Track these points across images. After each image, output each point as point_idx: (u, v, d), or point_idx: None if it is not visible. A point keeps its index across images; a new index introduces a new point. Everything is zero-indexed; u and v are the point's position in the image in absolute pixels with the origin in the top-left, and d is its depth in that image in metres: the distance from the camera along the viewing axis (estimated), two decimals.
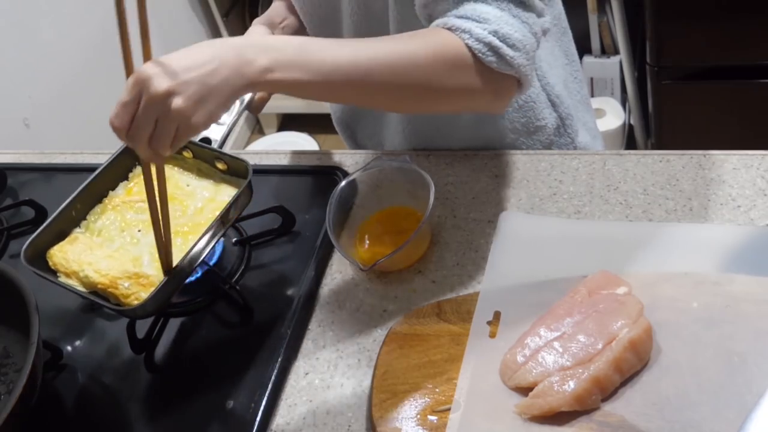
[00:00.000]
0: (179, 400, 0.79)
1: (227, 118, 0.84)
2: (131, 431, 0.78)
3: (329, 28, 0.97)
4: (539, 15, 0.75)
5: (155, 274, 0.78)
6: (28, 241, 0.80)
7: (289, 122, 2.85)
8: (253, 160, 1.07)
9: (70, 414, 0.81)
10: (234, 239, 0.93)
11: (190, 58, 0.65)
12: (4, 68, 1.71)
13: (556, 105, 1.00)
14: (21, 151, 1.23)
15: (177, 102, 0.63)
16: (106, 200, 0.87)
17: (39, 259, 0.81)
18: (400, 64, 0.71)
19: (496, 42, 0.71)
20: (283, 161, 1.06)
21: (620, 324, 0.69)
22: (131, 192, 0.88)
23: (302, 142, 2.58)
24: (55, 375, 0.84)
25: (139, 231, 0.84)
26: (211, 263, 0.89)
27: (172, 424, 0.77)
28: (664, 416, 0.64)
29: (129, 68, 0.65)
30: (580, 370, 0.67)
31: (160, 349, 0.84)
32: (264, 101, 0.88)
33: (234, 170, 0.87)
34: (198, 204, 0.85)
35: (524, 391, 0.69)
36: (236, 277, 0.89)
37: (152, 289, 0.75)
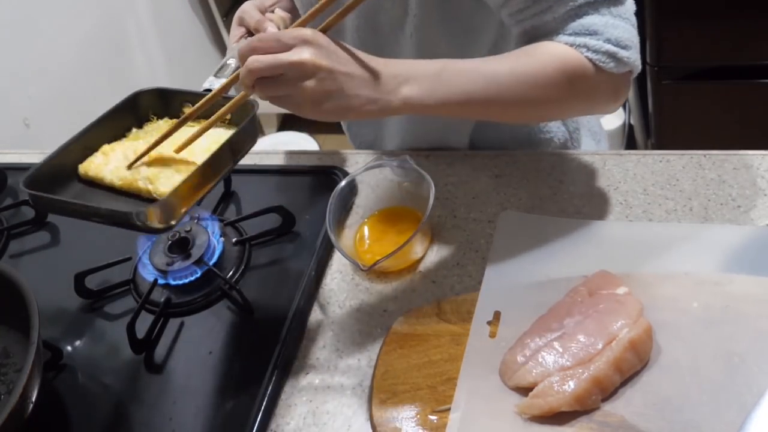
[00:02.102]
0: (179, 400, 0.79)
1: (227, 68, 0.83)
2: (131, 431, 0.78)
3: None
4: (625, 3, 0.78)
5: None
6: (26, 176, 0.76)
7: (289, 122, 2.85)
8: (253, 160, 1.08)
9: (70, 414, 0.81)
10: (234, 239, 0.93)
11: (357, 57, 0.69)
12: (4, 68, 1.71)
13: (565, 120, 1.01)
14: (21, 151, 1.23)
15: (310, 83, 0.65)
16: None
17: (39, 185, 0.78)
18: (529, 82, 0.74)
19: (613, 48, 0.75)
20: (283, 161, 1.06)
21: (620, 324, 0.69)
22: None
23: (302, 142, 2.58)
24: (55, 375, 0.84)
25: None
26: (211, 263, 0.89)
27: (172, 424, 0.77)
28: (664, 416, 0.64)
29: (305, 21, 0.68)
30: (580, 370, 0.67)
31: (160, 349, 0.84)
32: None
33: (239, 117, 0.82)
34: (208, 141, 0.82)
35: (524, 391, 0.69)
36: (236, 277, 0.89)
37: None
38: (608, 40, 0.75)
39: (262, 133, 2.85)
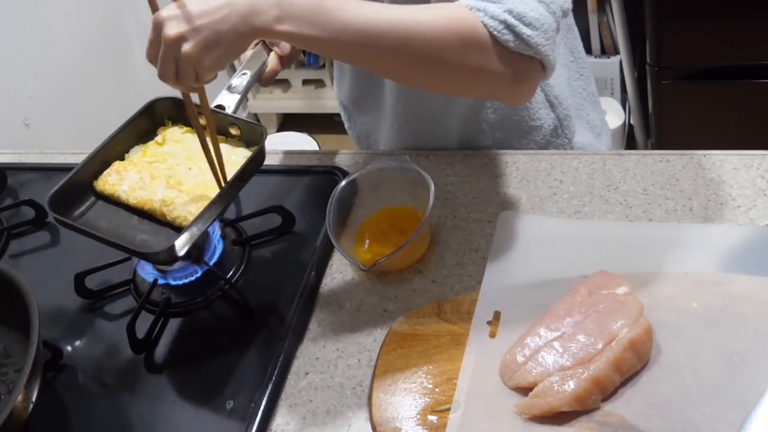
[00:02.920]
0: (179, 400, 0.79)
1: (239, 84, 0.86)
2: (131, 431, 0.78)
3: None
4: None
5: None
6: (52, 193, 0.82)
7: (289, 122, 2.85)
8: None
9: (70, 414, 0.81)
10: (234, 239, 0.93)
11: (204, 2, 0.68)
12: (4, 68, 1.71)
13: (554, 105, 0.99)
14: (21, 151, 1.23)
15: (186, 47, 0.67)
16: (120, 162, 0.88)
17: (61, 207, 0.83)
18: (414, 31, 0.70)
19: (512, 20, 0.71)
20: (283, 161, 1.06)
21: (620, 324, 0.69)
22: (147, 153, 0.88)
23: (302, 142, 2.58)
24: (55, 375, 0.84)
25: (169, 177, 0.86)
26: (211, 263, 0.89)
27: (172, 424, 0.77)
28: (664, 416, 0.64)
29: (153, 6, 0.69)
30: (580, 370, 0.67)
31: (160, 349, 0.84)
32: (274, 73, 0.89)
33: (248, 136, 0.87)
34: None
35: (524, 391, 0.69)
36: (236, 277, 0.89)
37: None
38: (509, 11, 0.71)
39: None
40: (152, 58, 0.70)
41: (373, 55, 0.73)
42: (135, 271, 0.92)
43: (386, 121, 1.05)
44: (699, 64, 1.72)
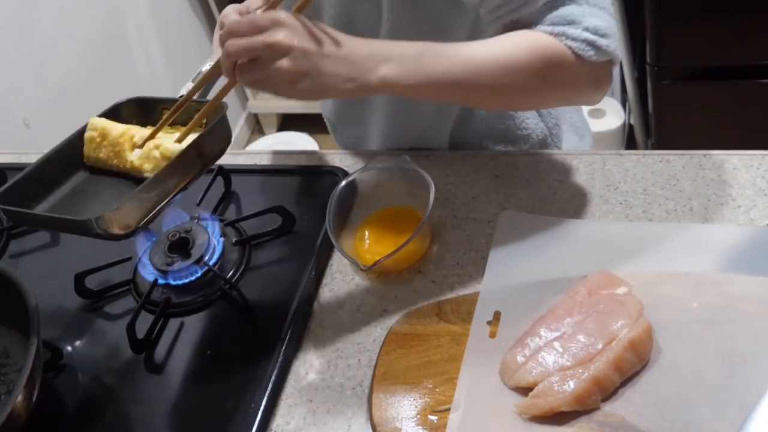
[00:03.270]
0: (179, 400, 0.79)
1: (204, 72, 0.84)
2: (131, 431, 0.78)
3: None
4: None
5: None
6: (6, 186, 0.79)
7: (289, 122, 2.85)
8: (253, 160, 1.08)
9: (70, 414, 0.81)
10: (234, 239, 0.93)
11: (333, 37, 0.69)
12: (4, 68, 1.71)
13: (543, 115, 1.01)
14: (21, 151, 1.23)
15: (284, 63, 0.67)
16: None
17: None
18: (507, 68, 0.75)
19: (591, 36, 0.76)
20: (283, 161, 1.06)
21: (620, 324, 0.69)
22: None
23: (302, 142, 2.58)
24: (55, 375, 0.84)
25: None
26: (211, 263, 0.89)
27: (172, 424, 0.77)
28: (664, 416, 0.64)
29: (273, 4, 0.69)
30: (580, 370, 0.67)
31: (160, 349, 0.84)
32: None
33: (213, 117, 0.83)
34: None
35: (524, 391, 0.69)
36: (236, 277, 0.89)
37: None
38: (587, 29, 0.76)
39: (262, 133, 2.85)
40: (235, 32, 0.67)
41: (470, 93, 0.78)
42: (135, 271, 0.92)
43: (375, 131, 1.05)
44: (699, 64, 1.72)
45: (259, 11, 0.91)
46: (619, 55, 0.80)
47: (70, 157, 0.84)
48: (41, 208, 0.79)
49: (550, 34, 0.77)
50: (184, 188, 0.77)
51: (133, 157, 0.80)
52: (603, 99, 0.85)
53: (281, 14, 0.68)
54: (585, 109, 2.17)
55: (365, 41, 0.72)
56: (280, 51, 0.67)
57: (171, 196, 0.75)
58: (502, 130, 1.00)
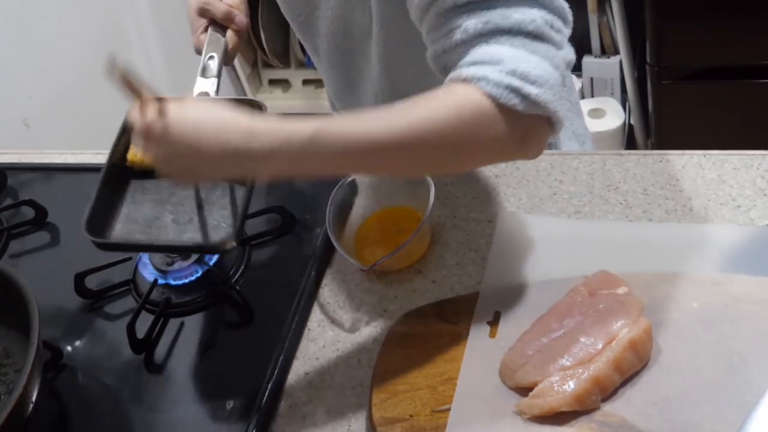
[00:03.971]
0: (179, 400, 0.79)
1: (212, 67, 0.86)
2: (131, 431, 0.78)
3: (308, 32, 1.00)
4: (558, 47, 0.68)
5: None
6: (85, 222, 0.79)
7: None
8: None
9: (70, 414, 0.81)
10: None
11: (216, 137, 0.65)
12: (4, 68, 1.71)
13: None
14: (21, 151, 1.23)
15: (166, 169, 0.67)
16: None
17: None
18: (415, 137, 0.66)
19: (516, 81, 0.64)
20: None
21: (620, 324, 0.69)
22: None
23: None
24: (55, 375, 0.84)
25: None
26: (211, 263, 0.89)
27: (172, 424, 0.77)
28: (664, 416, 0.64)
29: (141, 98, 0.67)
30: (580, 370, 0.67)
31: (160, 349, 0.84)
32: (236, 49, 0.91)
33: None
34: None
35: (524, 391, 0.69)
36: (236, 277, 0.89)
37: None
38: (512, 72, 0.64)
39: None
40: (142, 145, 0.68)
41: (381, 166, 0.71)
42: (135, 271, 0.92)
43: (373, 98, 1.05)
44: (699, 64, 1.72)
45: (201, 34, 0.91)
46: (558, 111, 0.67)
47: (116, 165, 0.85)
48: (119, 230, 0.83)
49: (471, 81, 0.65)
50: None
51: None
52: (535, 154, 0.72)
53: (157, 128, 0.65)
54: (584, 111, 2.18)
55: (252, 130, 0.65)
56: (159, 162, 0.67)
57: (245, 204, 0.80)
58: None
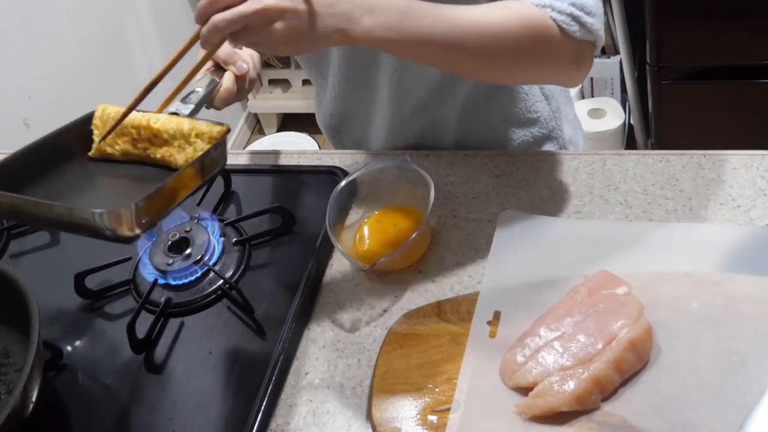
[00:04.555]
0: (179, 400, 0.79)
1: (193, 98, 0.83)
2: (131, 431, 0.78)
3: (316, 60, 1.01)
4: None
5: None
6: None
7: (289, 122, 2.85)
8: (253, 160, 1.08)
9: (70, 414, 0.81)
10: (234, 239, 0.93)
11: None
12: (4, 68, 1.71)
13: (548, 98, 1.02)
14: None
15: (278, 25, 0.68)
16: None
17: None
18: (491, 33, 0.75)
19: (577, 12, 0.77)
20: (283, 161, 1.06)
21: (620, 324, 0.69)
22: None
23: (302, 142, 2.58)
24: (55, 375, 0.84)
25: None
26: (211, 263, 0.89)
27: (171, 424, 0.77)
28: (664, 416, 0.64)
29: None
30: (580, 370, 0.67)
31: (160, 349, 0.84)
32: (229, 94, 0.86)
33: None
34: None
35: (524, 391, 0.69)
36: (236, 277, 0.89)
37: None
38: (573, 4, 0.77)
39: (262, 133, 2.86)
40: (217, 4, 0.68)
41: (451, 55, 0.77)
42: (135, 271, 0.92)
43: (379, 123, 1.04)
44: (699, 64, 1.72)
45: None
46: (602, 35, 0.81)
47: (69, 143, 0.82)
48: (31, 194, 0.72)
49: (539, 5, 0.77)
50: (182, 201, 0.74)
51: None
52: (582, 83, 0.87)
53: None
54: (584, 110, 2.18)
55: None
56: (271, 16, 0.67)
57: (174, 206, 0.73)
58: (514, 114, 1.00)
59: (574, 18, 0.77)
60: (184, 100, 0.82)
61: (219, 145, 0.76)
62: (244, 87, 0.88)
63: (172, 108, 0.81)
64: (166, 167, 0.78)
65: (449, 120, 1.00)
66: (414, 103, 0.98)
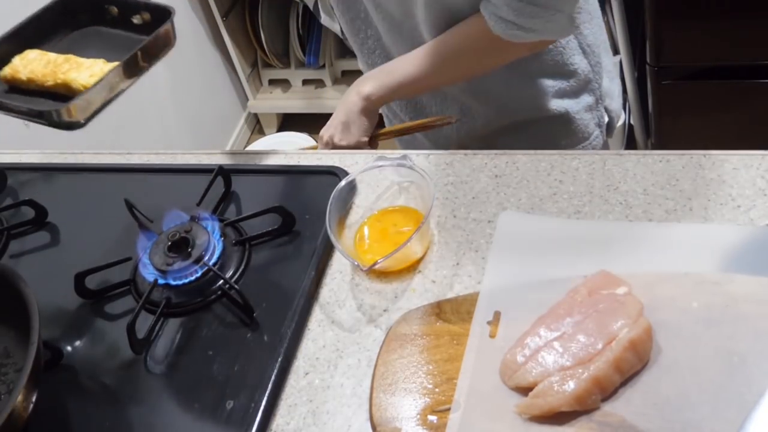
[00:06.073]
0: (179, 400, 0.79)
1: None
2: (131, 431, 0.78)
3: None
4: None
5: None
6: None
7: (289, 122, 2.85)
8: (253, 160, 1.08)
9: (70, 414, 0.81)
10: (234, 239, 0.93)
11: (336, 119, 1.06)
12: None
13: (587, 54, 1.07)
14: (21, 151, 1.23)
15: (335, 142, 1.06)
16: None
17: None
18: (452, 58, 0.97)
19: (517, 20, 0.87)
20: (283, 161, 1.06)
21: (620, 324, 0.69)
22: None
23: (302, 142, 2.58)
24: (55, 375, 0.84)
25: None
26: (211, 263, 0.89)
27: (172, 424, 0.77)
28: (664, 416, 0.64)
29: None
30: (580, 370, 0.67)
31: (160, 350, 0.84)
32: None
33: (157, 20, 0.90)
34: None
35: (524, 391, 0.69)
36: (236, 277, 0.89)
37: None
38: (508, 4, 0.87)
39: (262, 133, 2.85)
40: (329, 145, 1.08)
41: (435, 81, 1.02)
42: (135, 271, 0.92)
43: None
44: (699, 64, 1.72)
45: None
46: (561, 30, 0.91)
47: None
48: None
49: (485, 16, 0.90)
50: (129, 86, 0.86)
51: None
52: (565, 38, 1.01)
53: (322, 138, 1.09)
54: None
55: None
56: (332, 142, 1.07)
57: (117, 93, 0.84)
58: (552, 66, 1.05)
59: (516, 25, 0.88)
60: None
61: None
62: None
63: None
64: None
65: (499, 72, 1.05)
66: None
